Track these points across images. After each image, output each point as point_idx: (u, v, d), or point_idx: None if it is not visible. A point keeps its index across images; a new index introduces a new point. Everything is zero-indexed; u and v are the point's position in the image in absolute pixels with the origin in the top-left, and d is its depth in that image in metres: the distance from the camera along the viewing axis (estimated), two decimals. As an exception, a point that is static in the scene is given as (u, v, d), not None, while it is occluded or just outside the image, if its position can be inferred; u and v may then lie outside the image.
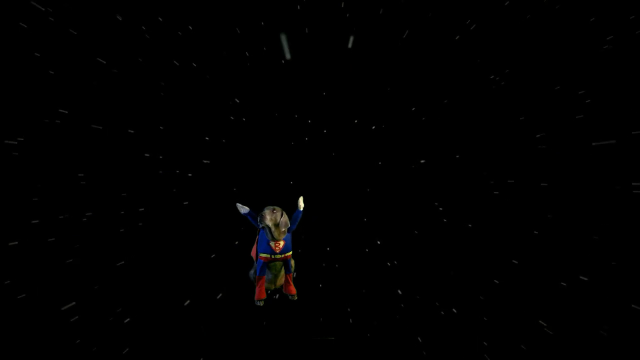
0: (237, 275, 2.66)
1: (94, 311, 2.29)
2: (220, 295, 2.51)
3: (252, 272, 2.54)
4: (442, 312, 2.37)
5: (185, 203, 3.00)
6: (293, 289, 2.48)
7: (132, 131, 2.87)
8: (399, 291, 2.60)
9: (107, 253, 2.74)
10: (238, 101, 3.01)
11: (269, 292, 2.51)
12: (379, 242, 3.07)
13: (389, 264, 2.91)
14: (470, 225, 2.98)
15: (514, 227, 2.89)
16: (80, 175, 2.78)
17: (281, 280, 2.50)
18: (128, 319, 2.25)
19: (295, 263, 2.59)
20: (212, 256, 2.88)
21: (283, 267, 2.47)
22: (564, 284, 2.56)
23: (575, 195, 2.78)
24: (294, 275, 2.57)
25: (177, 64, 2.89)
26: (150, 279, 2.63)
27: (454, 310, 2.39)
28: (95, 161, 2.82)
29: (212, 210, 3.02)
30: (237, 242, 2.91)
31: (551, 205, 2.81)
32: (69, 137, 2.75)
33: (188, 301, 2.41)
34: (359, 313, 2.37)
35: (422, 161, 3.07)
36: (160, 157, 2.95)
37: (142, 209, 2.92)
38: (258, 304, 2.40)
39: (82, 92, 2.75)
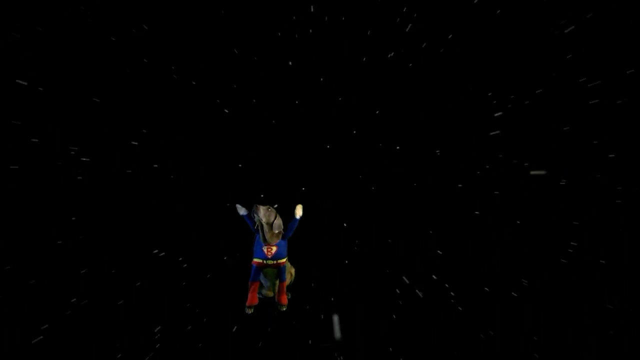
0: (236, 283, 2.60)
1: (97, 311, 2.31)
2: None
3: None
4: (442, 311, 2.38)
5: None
6: (284, 299, 2.39)
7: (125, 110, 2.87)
8: (397, 290, 2.61)
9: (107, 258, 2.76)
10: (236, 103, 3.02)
11: (265, 297, 2.42)
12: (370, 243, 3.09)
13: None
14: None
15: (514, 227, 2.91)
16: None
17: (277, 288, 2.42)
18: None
19: (295, 272, 2.53)
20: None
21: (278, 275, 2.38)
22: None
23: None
24: (291, 284, 2.50)
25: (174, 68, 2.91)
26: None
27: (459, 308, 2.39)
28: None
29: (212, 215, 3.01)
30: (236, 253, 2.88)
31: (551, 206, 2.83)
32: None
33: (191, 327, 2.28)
34: (360, 316, 2.35)
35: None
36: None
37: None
38: (247, 310, 2.33)
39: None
